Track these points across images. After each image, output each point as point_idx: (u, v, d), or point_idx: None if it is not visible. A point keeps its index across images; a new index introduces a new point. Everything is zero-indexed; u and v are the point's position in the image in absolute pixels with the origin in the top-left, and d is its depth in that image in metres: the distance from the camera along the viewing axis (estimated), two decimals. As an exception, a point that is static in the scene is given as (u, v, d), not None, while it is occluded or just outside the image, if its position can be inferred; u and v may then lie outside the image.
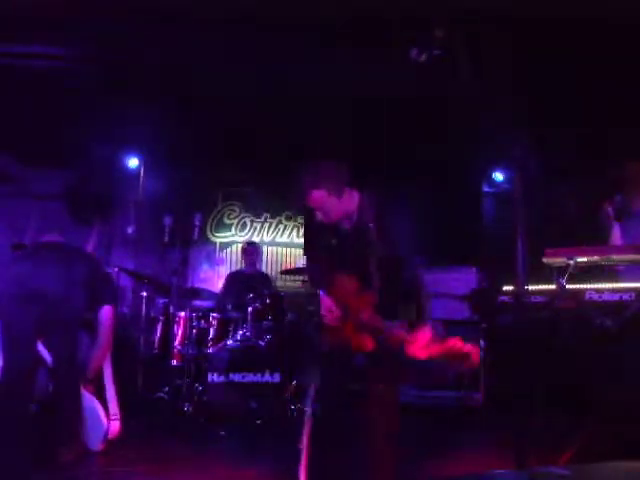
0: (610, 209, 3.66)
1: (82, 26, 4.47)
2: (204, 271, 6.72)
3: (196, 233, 4.66)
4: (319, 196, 2.51)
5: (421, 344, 2.10)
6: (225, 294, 5.36)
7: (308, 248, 2.82)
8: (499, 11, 4.12)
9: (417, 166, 6.02)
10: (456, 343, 2.06)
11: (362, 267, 2.46)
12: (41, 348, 3.15)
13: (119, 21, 4.40)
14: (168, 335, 4.63)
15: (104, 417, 3.30)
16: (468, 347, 2.06)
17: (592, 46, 4.37)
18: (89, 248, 3.67)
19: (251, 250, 5.70)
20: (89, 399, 3.31)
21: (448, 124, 5.30)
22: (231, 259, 6.89)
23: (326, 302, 2.49)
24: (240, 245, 6.88)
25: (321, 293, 2.54)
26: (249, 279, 5.43)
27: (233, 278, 5.61)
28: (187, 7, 4.24)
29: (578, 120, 4.97)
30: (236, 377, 4.11)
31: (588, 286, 3.56)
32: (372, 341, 2.26)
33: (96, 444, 3.28)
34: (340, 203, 2.55)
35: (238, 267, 6.50)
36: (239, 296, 4.78)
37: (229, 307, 4.75)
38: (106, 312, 3.35)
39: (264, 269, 6.68)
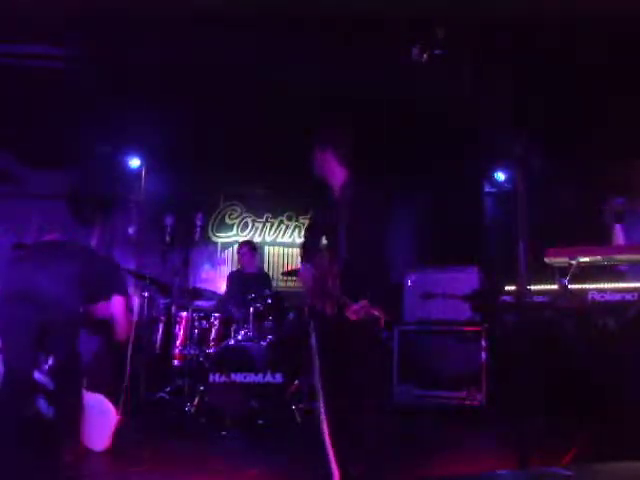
0: (611, 211, 3.68)
1: (83, 26, 4.47)
2: (206, 271, 6.72)
3: (197, 233, 4.65)
4: (315, 150, 2.97)
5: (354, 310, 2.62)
6: (228, 294, 5.34)
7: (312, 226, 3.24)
8: (498, 12, 4.13)
9: (418, 166, 6.02)
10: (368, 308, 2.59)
11: (335, 236, 2.83)
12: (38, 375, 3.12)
13: (120, 21, 4.41)
14: (170, 335, 4.63)
15: (113, 415, 3.28)
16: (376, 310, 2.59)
17: (592, 45, 4.37)
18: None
19: (244, 250, 5.66)
20: (95, 398, 3.29)
21: (449, 124, 5.30)
22: (233, 259, 6.88)
23: (305, 274, 2.96)
24: (241, 245, 6.88)
25: (303, 266, 3.01)
26: (248, 279, 5.42)
27: (233, 278, 5.59)
28: (188, 7, 4.24)
29: (579, 119, 4.97)
30: (237, 377, 4.10)
31: (590, 286, 3.56)
32: (332, 307, 2.73)
33: (101, 444, 3.26)
34: (321, 159, 2.95)
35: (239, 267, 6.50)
36: (240, 296, 4.77)
37: (231, 307, 4.74)
38: (117, 303, 3.27)
39: (266, 269, 6.67)
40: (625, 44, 4.24)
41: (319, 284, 2.82)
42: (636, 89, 4.51)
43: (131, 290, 5.69)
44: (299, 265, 3.12)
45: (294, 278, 6.08)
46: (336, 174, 2.95)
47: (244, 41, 4.68)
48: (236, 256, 6.78)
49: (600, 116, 4.79)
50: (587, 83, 4.68)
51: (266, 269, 6.68)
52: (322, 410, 2.57)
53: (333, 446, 2.47)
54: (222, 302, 5.13)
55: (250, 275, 5.52)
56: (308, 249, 3.08)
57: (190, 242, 4.75)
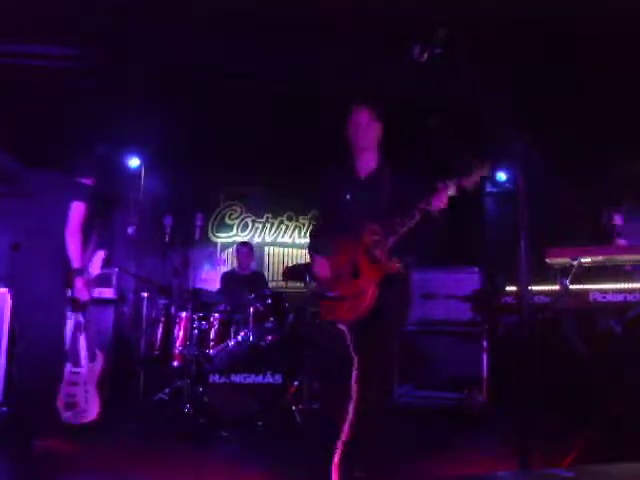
0: (616, 218, 3.65)
1: (83, 26, 4.45)
2: (205, 272, 6.70)
3: (197, 233, 4.63)
4: (361, 111, 2.84)
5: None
6: (221, 294, 5.32)
7: (322, 209, 3.06)
8: (499, 12, 4.11)
9: (418, 165, 5.98)
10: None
11: (374, 211, 2.72)
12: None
13: (120, 21, 4.39)
14: (169, 336, 4.61)
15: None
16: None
17: (592, 44, 4.35)
18: (90, 249, 3.66)
19: (244, 251, 5.65)
20: None
21: (449, 123, 5.27)
22: (232, 260, 6.86)
23: (322, 266, 2.74)
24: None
25: (318, 258, 2.77)
26: (244, 280, 5.40)
27: (228, 278, 5.57)
28: (188, 6, 4.22)
29: (579, 118, 4.95)
30: (237, 378, 4.07)
31: (592, 287, 3.54)
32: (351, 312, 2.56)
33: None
34: (369, 128, 2.85)
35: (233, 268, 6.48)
36: (237, 297, 4.75)
37: (228, 308, 4.72)
38: (75, 207, 3.34)
39: (266, 270, 6.65)
40: (626, 41, 4.23)
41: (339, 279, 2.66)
42: (637, 87, 4.50)
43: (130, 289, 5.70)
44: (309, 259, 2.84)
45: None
46: (372, 130, 2.90)
47: (244, 40, 4.66)
48: (235, 256, 6.80)
49: (602, 113, 4.77)
50: (589, 81, 4.66)
51: (266, 269, 6.66)
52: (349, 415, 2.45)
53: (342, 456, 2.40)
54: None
55: (246, 276, 5.51)
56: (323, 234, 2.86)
57: (190, 242, 4.73)
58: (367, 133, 2.87)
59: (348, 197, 2.83)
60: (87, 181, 3.56)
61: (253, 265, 5.85)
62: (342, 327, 2.56)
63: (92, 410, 3.67)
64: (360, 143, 2.88)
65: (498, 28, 4.21)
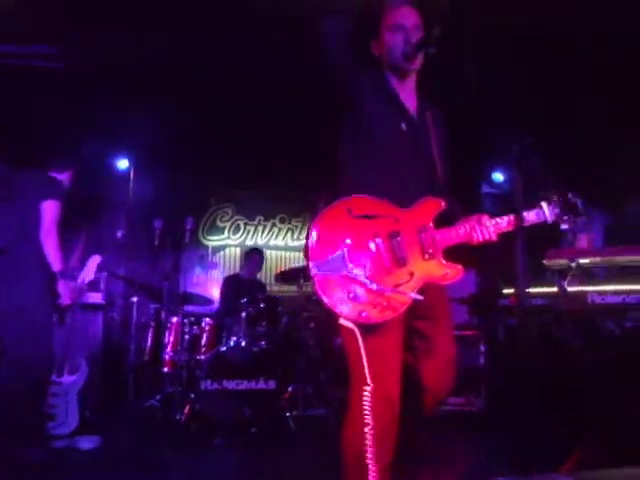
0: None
1: (76, 27, 4.39)
2: (197, 275, 6.60)
3: (188, 236, 4.55)
4: (405, 9, 2.00)
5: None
6: (224, 299, 5.23)
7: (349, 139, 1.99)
8: (499, 12, 4.09)
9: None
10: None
11: (429, 159, 2.04)
12: None
13: (114, 22, 4.33)
14: (159, 341, 4.53)
15: None
16: None
17: (590, 45, 4.34)
18: (77, 253, 3.58)
19: (255, 258, 5.55)
20: None
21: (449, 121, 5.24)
22: (224, 263, 6.78)
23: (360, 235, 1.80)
24: (234, 249, 6.78)
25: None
26: (244, 284, 5.32)
27: (230, 282, 5.48)
28: (184, 6, 4.17)
29: (579, 120, 4.93)
30: (230, 384, 4.00)
31: (590, 288, 3.50)
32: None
33: None
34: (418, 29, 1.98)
35: (231, 271, 6.39)
36: (234, 300, 4.67)
37: (221, 313, 4.64)
38: (48, 206, 3.18)
39: (258, 273, 6.56)
40: (624, 41, 4.21)
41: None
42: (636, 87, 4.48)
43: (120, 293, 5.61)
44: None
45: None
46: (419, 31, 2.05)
47: (236, 42, 4.61)
48: (228, 259, 6.70)
49: (600, 116, 4.75)
50: (588, 83, 4.65)
51: (259, 273, 6.57)
52: None
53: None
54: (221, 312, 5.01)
55: (248, 280, 5.42)
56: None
57: (180, 245, 4.64)
58: (412, 31, 1.96)
59: (403, 127, 1.97)
60: (62, 176, 3.43)
61: (257, 273, 5.75)
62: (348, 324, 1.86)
63: (71, 422, 3.54)
64: (405, 60, 1.96)
65: (499, 29, 4.19)
